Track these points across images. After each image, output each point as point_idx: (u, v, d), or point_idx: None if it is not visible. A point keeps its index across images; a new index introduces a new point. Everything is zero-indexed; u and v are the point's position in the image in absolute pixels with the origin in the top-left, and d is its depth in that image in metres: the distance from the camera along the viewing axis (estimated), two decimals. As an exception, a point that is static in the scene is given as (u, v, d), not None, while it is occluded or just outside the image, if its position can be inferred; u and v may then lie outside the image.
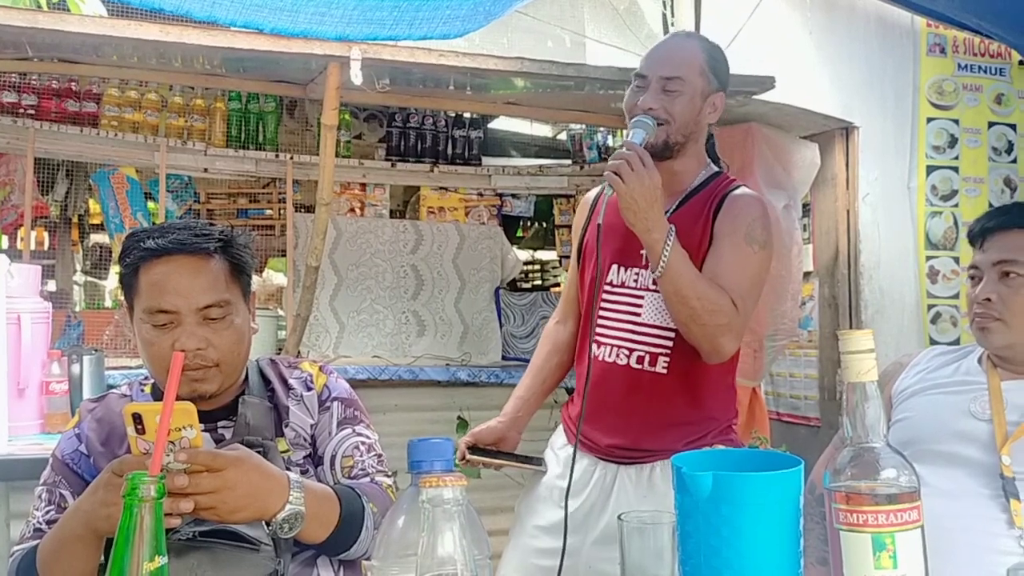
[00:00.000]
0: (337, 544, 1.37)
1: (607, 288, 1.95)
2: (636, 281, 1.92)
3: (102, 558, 1.28)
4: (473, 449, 2.00)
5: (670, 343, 1.88)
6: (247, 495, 1.22)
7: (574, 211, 4.48)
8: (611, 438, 1.92)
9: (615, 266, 1.96)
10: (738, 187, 1.94)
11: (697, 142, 1.95)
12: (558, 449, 2.04)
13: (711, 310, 1.77)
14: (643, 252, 1.85)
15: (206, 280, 1.44)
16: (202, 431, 1.27)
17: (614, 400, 1.92)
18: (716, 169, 2.00)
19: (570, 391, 2.10)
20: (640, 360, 1.90)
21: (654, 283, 1.86)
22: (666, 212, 1.87)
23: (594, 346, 1.95)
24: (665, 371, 1.89)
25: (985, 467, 1.54)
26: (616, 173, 1.71)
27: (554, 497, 1.95)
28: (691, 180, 1.95)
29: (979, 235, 1.71)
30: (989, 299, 1.64)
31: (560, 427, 2.08)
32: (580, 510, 1.91)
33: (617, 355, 1.92)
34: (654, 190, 1.72)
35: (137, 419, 1.23)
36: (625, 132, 1.91)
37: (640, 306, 1.91)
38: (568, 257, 4.66)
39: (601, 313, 1.96)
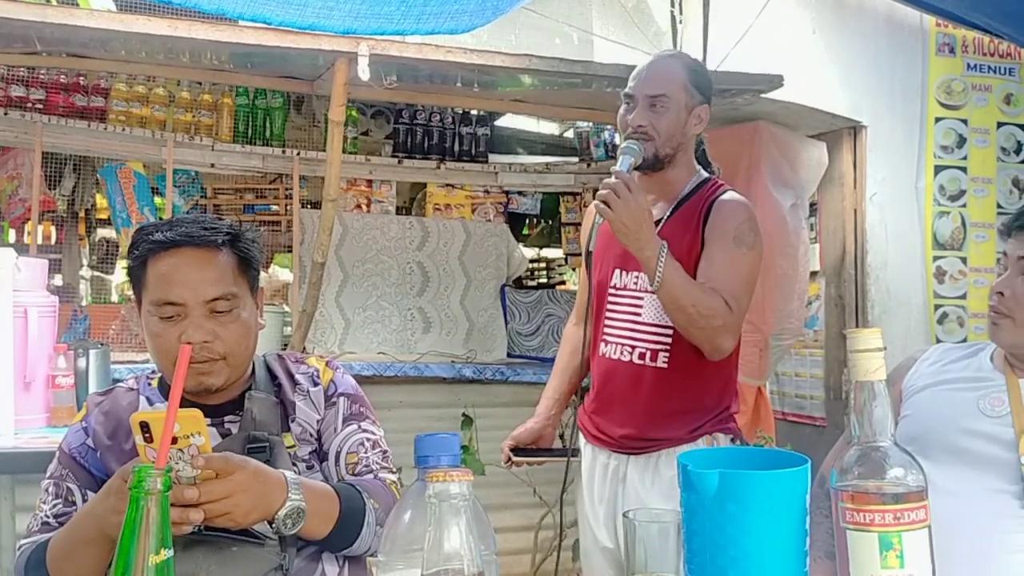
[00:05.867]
0: (339, 540, 1.38)
1: (611, 291, 2.14)
2: (636, 284, 2.10)
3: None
4: (515, 451, 2.18)
5: (669, 339, 2.05)
6: (258, 495, 1.24)
7: (580, 209, 4.50)
8: (621, 428, 2.10)
9: (617, 271, 2.13)
10: (725, 192, 2.09)
11: (686, 152, 2.12)
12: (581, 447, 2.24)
13: (707, 314, 1.93)
14: None
15: (213, 273, 1.44)
16: (208, 426, 1.27)
17: (621, 393, 2.10)
18: (705, 175, 2.16)
19: (583, 390, 2.32)
20: (642, 356, 2.08)
21: None
22: (660, 219, 2.07)
23: (602, 345, 2.14)
24: (666, 365, 2.06)
25: (995, 463, 1.52)
26: (605, 202, 1.87)
27: (592, 491, 2.17)
28: (682, 187, 2.11)
29: (1008, 226, 1.65)
30: (1002, 293, 1.60)
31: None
32: (604, 504, 2.13)
33: (621, 352, 2.11)
34: (641, 212, 1.88)
35: (144, 427, 1.23)
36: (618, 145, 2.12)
37: (640, 307, 2.09)
38: (574, 255, 4.71)
39: (607, 315, 2.14)
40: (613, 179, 1.89)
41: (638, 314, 2.08)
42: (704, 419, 2.08)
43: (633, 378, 2.08)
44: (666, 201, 2.10)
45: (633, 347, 2.08)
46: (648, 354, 2.06)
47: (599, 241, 2.08)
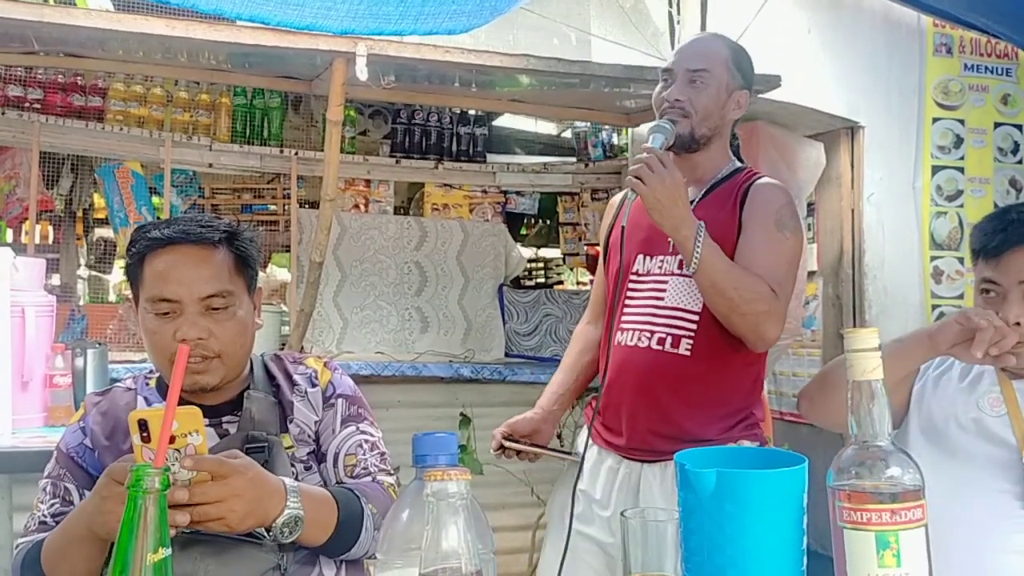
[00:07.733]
0: (337, 546, 1.37)
1: (633, 278, 1.98)
2: (661, 268, 1.95)
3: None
4: (509, 439, 2.01)
5: (694, 326, 1.89)
6: (254, 500, 1.22)
7: (578, 209, 4.51)
8: (632, 422, 1.92)
9: (640, 256, 1.99)
10: (761, 177, 1.97)
11: (722, 136, 1.99)
12: (587, 448, 2.02)
13: (749, 299, 1.78)
14: (670, 240, 1.86)
15: (209, 270, 1.44)
16: (207, 426, 1.27)
17: (635, 384, 1.92)
18: (740, 164, 2.04)
19: (593, 390, 2.13)
20: (661, 342, 1.90)
21: (679, 267, 1.88)
22: (693, 200, 1.92)
23: (618, 334, 1.97)
24: (688, 353, 1.88)
25: (995, 463, 1.52)
26: (637, 177, 1.75)
27: (594, 493, 1.97)
28: (716, 172, 1.99)
29: (994, 250, 1.60)
30: (1020, 323, 1.52)
31: (585, 427, 2.07)
32: (613, 517, 1.91)
33: (639, 338, 1.93)
34: (676, 188, 1.75)
35: (143, 426, 1.22)
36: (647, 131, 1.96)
37: (664, 290, 1.93)
38: (572, 255, 4.70)
39: (626, 302, 1.98)
40: (645, 154, 1.77)
41: (660, 298, 1.92)
42: (727, 422, 1.90)
43: (649, 366, 1.90)
44: (700, 183, 1.97)
45: (652, 332, 1.91)
46: (669, 340, 1.89)
47: (617, 232, 1.95)
